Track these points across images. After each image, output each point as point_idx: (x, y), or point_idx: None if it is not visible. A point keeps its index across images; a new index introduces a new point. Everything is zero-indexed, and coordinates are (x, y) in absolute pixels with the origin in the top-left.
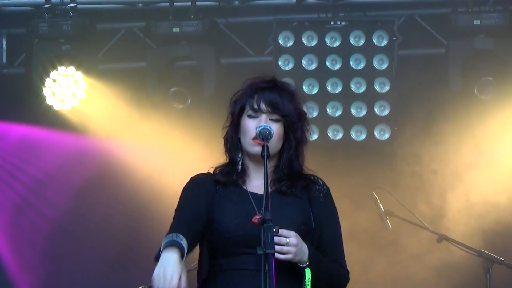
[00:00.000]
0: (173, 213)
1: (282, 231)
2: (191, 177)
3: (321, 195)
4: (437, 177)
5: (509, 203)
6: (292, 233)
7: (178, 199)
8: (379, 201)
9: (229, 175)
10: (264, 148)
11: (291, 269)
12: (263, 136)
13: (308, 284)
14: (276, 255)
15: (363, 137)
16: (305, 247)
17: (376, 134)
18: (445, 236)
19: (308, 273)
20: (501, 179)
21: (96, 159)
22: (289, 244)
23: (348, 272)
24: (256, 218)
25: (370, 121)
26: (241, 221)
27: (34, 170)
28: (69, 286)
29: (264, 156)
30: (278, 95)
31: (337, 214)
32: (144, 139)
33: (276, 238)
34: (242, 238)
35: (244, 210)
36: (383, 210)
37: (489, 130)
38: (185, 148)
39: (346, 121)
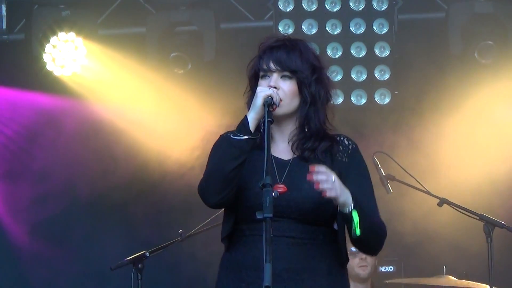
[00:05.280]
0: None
1: (315, 167)
2: (221, 135)
3: (345, 155)
4: (438, 141)
5: (508, 168)
6: (325, 169)
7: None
8: (379, 165)
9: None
10: (265, 114)
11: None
12: (265, 102)
13: (357, 227)
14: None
15: (363, 101)
16: (346, 189)
17: (377, 98)
18: (446, 200)
19: (355, 215)
20: (501, 143)
21: (95, 124)
22: (329, 180)
23: (385, 225)
24: (276, 187)
25: (370, 85)
26: (261, 190)
27: (26, 131)
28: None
29: (265, 122)
30: (285, 52)
31: (366, 169)
32: (144, 104)
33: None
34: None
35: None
36: (383, 174)
37: (489, 94)
38: (186, 113)
39: (347, 85)
